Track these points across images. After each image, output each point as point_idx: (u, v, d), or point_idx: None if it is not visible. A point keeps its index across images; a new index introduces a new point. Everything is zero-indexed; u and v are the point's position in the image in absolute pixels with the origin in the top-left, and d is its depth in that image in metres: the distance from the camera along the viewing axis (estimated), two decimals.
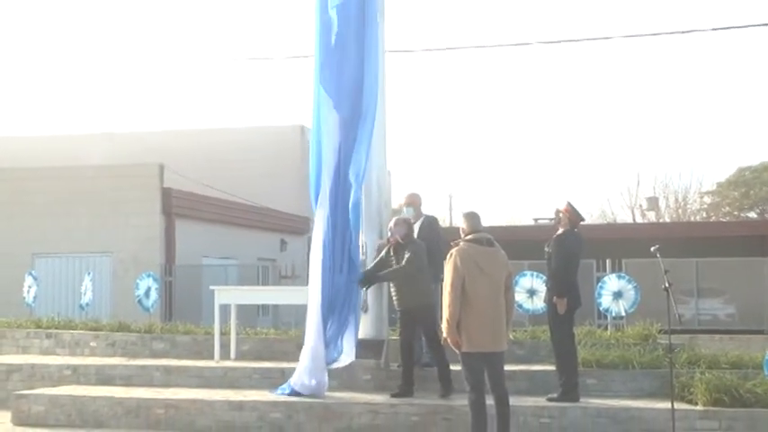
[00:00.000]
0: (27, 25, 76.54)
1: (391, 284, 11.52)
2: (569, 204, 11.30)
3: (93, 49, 79.65)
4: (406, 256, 11.12)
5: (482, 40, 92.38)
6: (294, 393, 11.32)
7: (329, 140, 11.76)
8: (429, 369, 11.56)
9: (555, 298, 11.02)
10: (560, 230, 11.29)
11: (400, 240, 11.30)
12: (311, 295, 11.60)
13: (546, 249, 11.29)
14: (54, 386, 12.64)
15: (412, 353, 11.39)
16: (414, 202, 12.28)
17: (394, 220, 11.56)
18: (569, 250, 11.10)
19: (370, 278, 11.57)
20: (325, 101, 11.78)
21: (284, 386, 11.59)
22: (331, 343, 11.46)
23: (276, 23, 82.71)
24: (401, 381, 11.34)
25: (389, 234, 11.49)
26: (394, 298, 11.47)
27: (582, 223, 11.36)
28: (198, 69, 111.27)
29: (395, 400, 11.01)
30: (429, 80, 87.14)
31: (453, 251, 9.31)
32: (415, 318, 11.19)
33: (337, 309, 11.47)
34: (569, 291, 11.02)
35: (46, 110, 75.47)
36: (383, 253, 11.57)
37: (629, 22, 74.12)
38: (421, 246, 11.26)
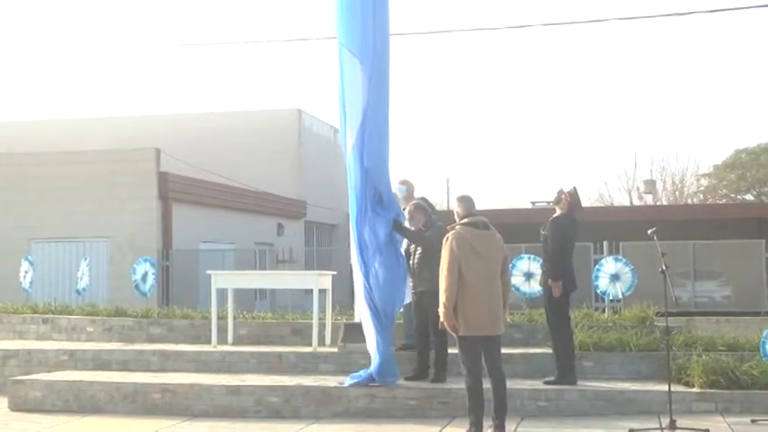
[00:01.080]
0: (24, 9, 76.33)
1: (412, 264, 11.35)
2: (574, 189, 11.31)
3: (90, 34, 79.49)
4: (427, 234, 11.12)
5: (480, 22, 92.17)
6: (370, 381, 10.98)
7: (353, 97, 11.55)
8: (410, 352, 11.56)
9: (550, 281, 11.03)
10: (556, 213, 11.29)
11: (422, 228, 11.29)
12: (355, 278, 11.39)
13: (542, 232, 11.30)
14: (51, 371, 12.62)
15: (427, 336, 11.28)
16: (407, 182, 12.28)
17: (408, 210, 11.50)
18: (565, 233, 11.11)
19: (397, 225, 11.32)
20: (348, 58, 11.48)
21: (360, 373, 11.16)
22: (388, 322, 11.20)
23: (272, 6, 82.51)
24: (416, 364, 11.32)
25: (408, 224, 11.47)
26: (411, 281, 11.38)
27: (579, 212, 11.36)
28: (195, 53, 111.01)
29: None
30: (427, 63, 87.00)
31: (449, 235, 9.29)
32: (427, 300, 11.05)
33: (382, 286, 11.15)
34: (564, 274, 11.03)
35: (43, 94, 75.38)
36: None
37: (627, 4, 73.91)
38: (441, 229, 11.06)
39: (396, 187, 12.10)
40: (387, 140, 11.47)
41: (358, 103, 11.38)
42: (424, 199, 12.12)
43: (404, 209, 11.84)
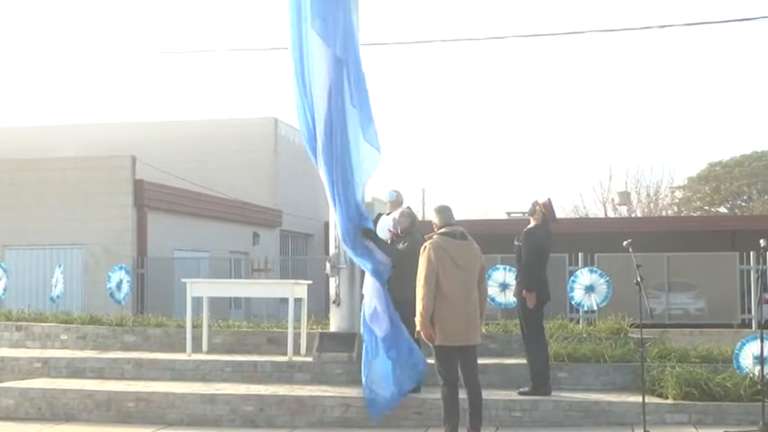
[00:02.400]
0: None
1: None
2: (549, 201, 11.35)
3: (66, 40, 79.16)
4: (403, 245, 11.02)
5: (457, 33, 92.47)
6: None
7: (319, 80, 11.54)
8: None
9: (524, 292, 11.06)
10: (531, 224, 11.33)
11: (399, 233, 11.20)
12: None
13: (516, 243, 11.33)
14: (24, 379, 12.52)
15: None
16: (398, 192, 12.35)
17: (399, 211, 11.45)
18: (539, 244, 11.15)
19: (368, 233, 11.37)
20: (314, 38, 11.52)
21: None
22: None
23: (249, 14, 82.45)
24: None
25: (391, 226, 11.44)
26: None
27: (553, 223, 11.41)
28: (171, 61, 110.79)
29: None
30: (403, 73, 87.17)
31: (427, 244, 9.30)
32: (397, 309, 10.97)
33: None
34: (538, 285, 11.07)
35: (17, 101, 74.93)
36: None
37: (604, 17, 74.38)
38: (418, 241, 11.01)
39: (386, 192, 12.21)
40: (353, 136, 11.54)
41: (323, 83, 11.44)
42: (409, 208, 12.14)
43: (388, 213, 11.91)
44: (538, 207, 11.32)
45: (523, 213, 11.73)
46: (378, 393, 10.68)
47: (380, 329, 10.90)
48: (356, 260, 11.56)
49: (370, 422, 10.63)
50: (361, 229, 11.42)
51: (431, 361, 9.62)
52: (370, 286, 11.14)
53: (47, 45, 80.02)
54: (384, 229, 11.78)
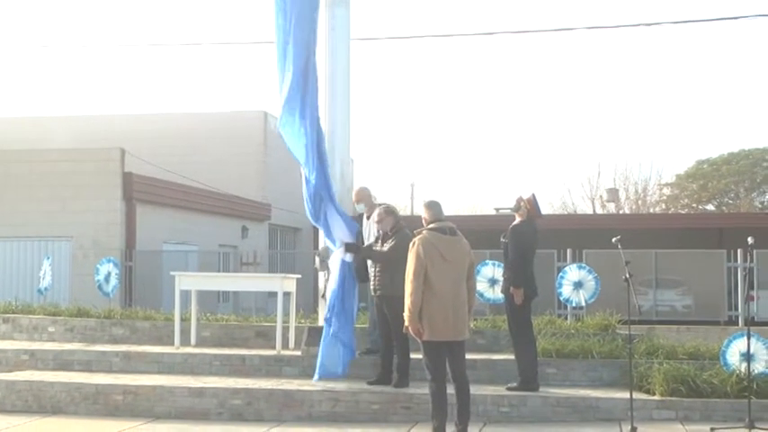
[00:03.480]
0: None
1: (374, 268, 11.27)
2: (533, 197, 11.33)
3: (56, 32, 78.87)
4: (391, 243, 11.00)
5: (447, 29, 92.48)
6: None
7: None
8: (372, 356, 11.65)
9: (512, 288, 11.07)
10: (516, 221, 11.31)
11: (389, 232, 11.15)
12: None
13: (502, 240, 11.32)
14: (11, 371, 12.50)
15: (390, 340, 11.25)
16: (361, 197, 12.18)
17: (376, 214, 11.31)
18: (525, 240, 11.14)
19: (352, 248, 11.47)
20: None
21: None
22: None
23: (239, 7, 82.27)
24: (380, 368, 11.29)
25: (377, 230, 11.39)
26: (371, 282, 11.31)
27: (539, 219, 11.41)
28: (161, 54, 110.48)
29: (356, 387, 10.98)
30: (392, 68, 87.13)
31: (416, 240, 9.29)
32: (385, 305, 11.04)
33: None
34: (526, 281, 11.07)
35: (7, 92, 74.65)
36: (372, 241, 11.52)
37: (594, 14, 74.43)
38: (408, 236, 11.00)
39: (354, 204, 12.17)
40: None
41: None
42: (385, 206, 12.03)
43: (368, 217, 11.83)
44: (522, 203, 11.31)
45: (511, 210, 11.71)
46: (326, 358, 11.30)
47: (329, 293, 11.35)
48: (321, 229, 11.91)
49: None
50: (344, 246, 11.57)
51: (418, 356, 9.62)
52: (335, 256, 11.56)
53: (37, 37, 79.74)
54: (370, 230, 11.77)
